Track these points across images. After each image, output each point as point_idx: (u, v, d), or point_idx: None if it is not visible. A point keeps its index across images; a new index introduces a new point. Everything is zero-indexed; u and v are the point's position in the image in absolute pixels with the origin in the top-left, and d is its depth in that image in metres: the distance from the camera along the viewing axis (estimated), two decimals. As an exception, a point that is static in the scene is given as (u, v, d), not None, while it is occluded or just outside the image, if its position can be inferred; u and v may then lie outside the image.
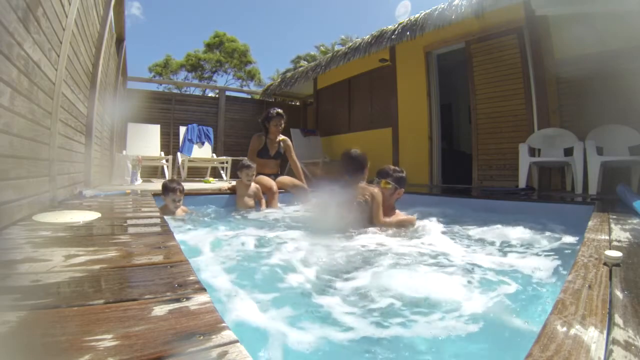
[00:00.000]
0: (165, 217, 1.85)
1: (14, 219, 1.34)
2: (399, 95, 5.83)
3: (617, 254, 0.89)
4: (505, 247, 1.73)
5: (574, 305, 0.64)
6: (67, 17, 1.96)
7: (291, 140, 3.64)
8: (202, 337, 0.49)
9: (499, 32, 4.46)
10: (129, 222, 1.60)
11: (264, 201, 3.12)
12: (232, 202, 3.13)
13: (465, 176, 5.01)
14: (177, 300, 0.62)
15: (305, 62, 15.68)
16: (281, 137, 3.49)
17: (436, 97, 5.43)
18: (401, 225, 2.11)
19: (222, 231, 2.00)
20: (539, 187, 4.01)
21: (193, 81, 20.29)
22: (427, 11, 4.67)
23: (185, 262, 0.86)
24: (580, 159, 3.43)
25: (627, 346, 0.49)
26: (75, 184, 2.66)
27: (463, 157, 5.74)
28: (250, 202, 3.04)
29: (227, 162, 6.14)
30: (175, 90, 13.25)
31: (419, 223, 2.19)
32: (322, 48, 19.15)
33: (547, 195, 3.42)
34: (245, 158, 3.20)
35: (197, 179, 5.98)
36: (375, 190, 2.14)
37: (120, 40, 4.72)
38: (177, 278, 0.75)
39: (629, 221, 1.63)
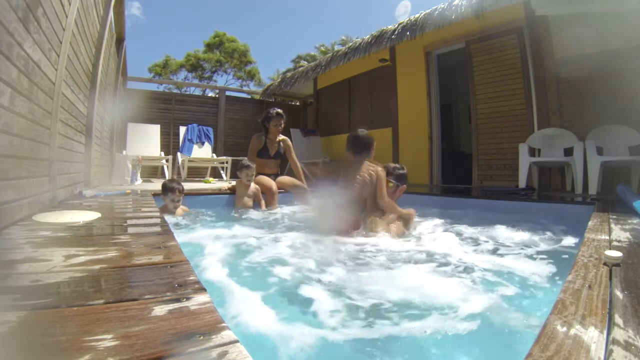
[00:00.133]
0: (165, 217, 1.85)
1: (14, 219, 1.34)
2: (399, 95, 5.83)
3: (617, 254, 0.89)
4: (505, 247, 1.72)
5: (574, 305, 0.64)
6: (67, 17, 1.96)
7: (291, 140, 3.64)
8: (202, 337, 0.49)
9: (499, 32, 4.46)
10: (129, 222, 1.60)
11: (263, 202, 3.12)
12: (232, 202, 3.13)
13: (465, 176, 5.01)
14: (177, 300, 0.62)
15: (306, 62, 15.69)
16: (281, 137, 3.49)
17: (436, 97, 5.43)
18: (402, 217, 2.10)
19: (222, 231, 2.00)
20: (539, 187, 4.01)
21: (193, 81, 20.32)
22: (427, 11, 4.67)
23: (185, 262, 0.86)
24: (580, 159, 3.43)
25: (627, 346, 0.49)
26: (75, 184, 2.66)
27: (463, 157, 5.74)
28: (249, 202, 3.04)
29: (227, 162, 6.14)
30: (175, 90, 13.25)
31: (418, 222, 2.19)
32: (322, 48, 19.16)
33: (547, 195, 3.42)
34: (245, 158, 3.21)
35: (197, 179, 5.99)
36: (379, 168, 2.09)
37: (120, 40, 4.72)
38: (177, 278, 0.75)
39: (629, 221, 1.64)
